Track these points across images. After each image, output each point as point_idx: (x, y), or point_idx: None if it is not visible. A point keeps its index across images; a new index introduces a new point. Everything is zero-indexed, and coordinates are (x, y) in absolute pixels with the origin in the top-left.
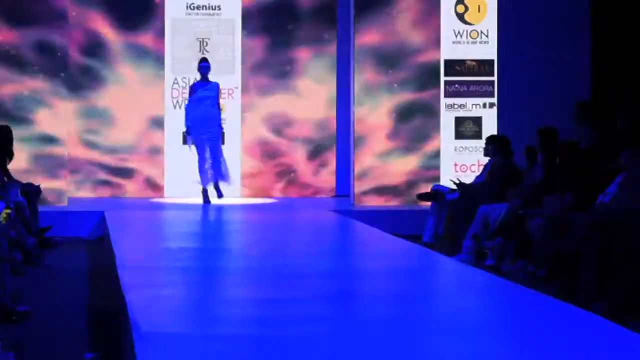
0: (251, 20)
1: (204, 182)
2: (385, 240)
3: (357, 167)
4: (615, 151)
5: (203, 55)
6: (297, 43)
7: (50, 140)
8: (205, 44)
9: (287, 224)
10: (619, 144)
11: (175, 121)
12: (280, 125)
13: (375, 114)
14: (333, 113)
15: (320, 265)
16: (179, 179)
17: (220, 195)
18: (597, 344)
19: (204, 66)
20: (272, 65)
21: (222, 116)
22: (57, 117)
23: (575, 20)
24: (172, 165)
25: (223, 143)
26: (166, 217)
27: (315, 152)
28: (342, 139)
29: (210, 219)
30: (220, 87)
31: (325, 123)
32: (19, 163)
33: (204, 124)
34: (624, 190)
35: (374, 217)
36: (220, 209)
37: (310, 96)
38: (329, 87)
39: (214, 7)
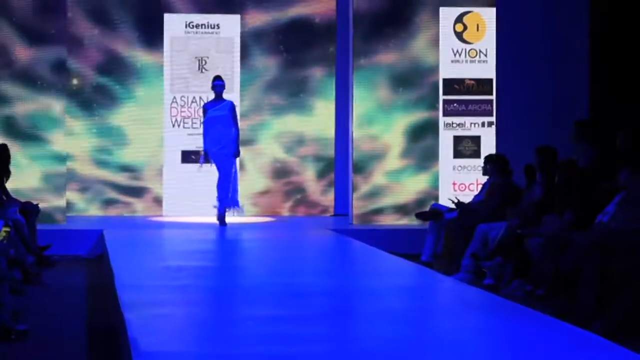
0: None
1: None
2: (384, 259)
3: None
4: (614, 170)
5: (217, 74)
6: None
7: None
8: (203, 62)
9: (284, 243)
10: (618, 163)
11: (174, 139)
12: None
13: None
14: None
15: (320, 284)
16: (179, 197)
17: (222, 223)
18: None
19: (217, 85)
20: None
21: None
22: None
23: (574, 40)
24: (171, 184)
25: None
26: (165, 235)
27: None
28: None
29: (208, 238)
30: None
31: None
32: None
33: (218, 144)
34: (622, 210)
35: (373, 236)
36: (216, 228)
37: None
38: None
39: (213, 26)
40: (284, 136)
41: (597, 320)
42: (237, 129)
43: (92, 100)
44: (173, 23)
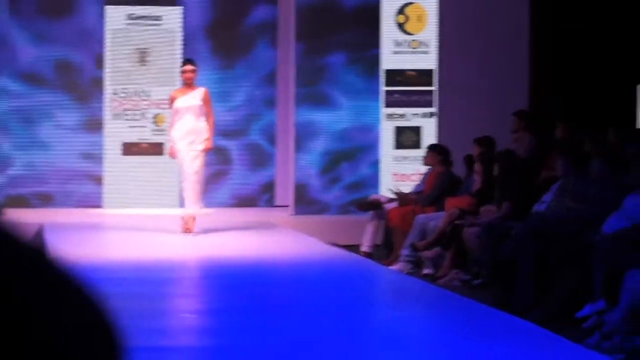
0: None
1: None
2: (323, 250)
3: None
4: (553, 160)
5: (187, 57)
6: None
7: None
8: (145, 54)
9: (226, 234)
10: (556, 153)
11: (115, 132)
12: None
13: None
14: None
15: (257, 275)
16: (118, 190)
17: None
18: (533, 351)
19: (188, 70)
20: None
21: (162, 126)
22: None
23: (514, 31)
24: (111, 177)
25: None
26: (103, 229)
27: None
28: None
29: (144, 230)
30: (206, 92)
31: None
32: None
33: (186, 138)
34: (559, 199)
35: (313, 227)
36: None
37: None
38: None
39: (154, 17)
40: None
41: (534, 308)
42: (212, 120)
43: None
44: (114, 15)
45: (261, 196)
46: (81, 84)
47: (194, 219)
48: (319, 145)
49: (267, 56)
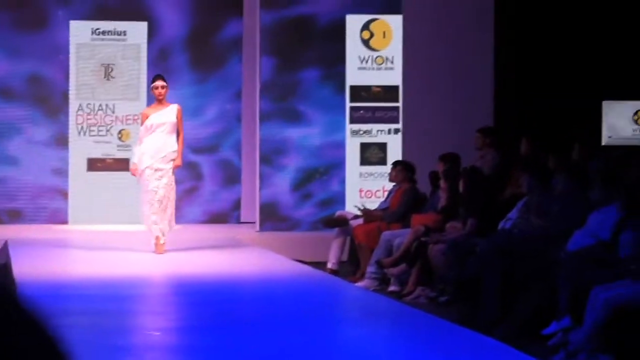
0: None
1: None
2: (289, 267)
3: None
4: (517, 177)
5: (157, 73)
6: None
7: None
8: (110, 69)
9: (191, 251)
10: (521, 169)
11: (80, 148)
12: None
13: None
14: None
15: (221, 291)
16: (84, 206)
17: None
18: None
19: (159, 86)
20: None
21: (127, 142)
22: None
23: (479, 48)
24: (76, 193)
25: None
26: (68, 245)
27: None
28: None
29: (110, 246)
30: (180, 109)
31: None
32: None
33: (155, 156)
34: (523, 216)
35: (279, 244)
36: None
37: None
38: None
39: (119, 33)
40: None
41: (499, 326)
42: (183, 137)
43: None
44: (79, 30)
45: (231, 213)
46: (50, 98)
47: (160, 238)
48: (290, 161)
49: (237, 72)
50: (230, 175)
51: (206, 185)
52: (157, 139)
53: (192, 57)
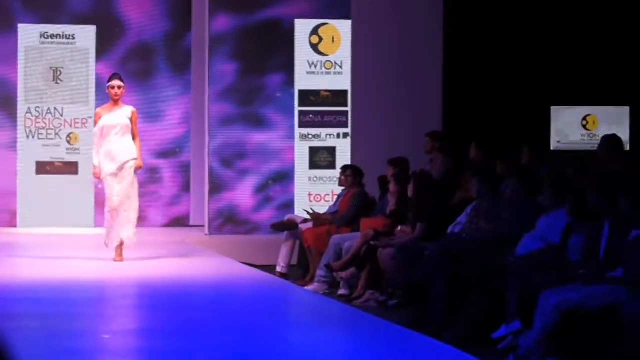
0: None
1: (108, 239)
2: (238, 270)
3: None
4: (467, 181)
5: (115, 72)
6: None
7: None
8: (59, 72)
9: (140, 254)
10: (470, 173)
11: (29, 151)
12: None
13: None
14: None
15: (173, 296)
16: (33, 209)
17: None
18: None
19: (115, 86)
20: None
21: (76, 145)
22: None
23: (428, 52)
24: (25, 195)
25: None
26: (16, 248)
27: None
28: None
29: (60, 249)
30: (135, 112)
31: None
32: None
33: (113, 161)
34: (473, 220)
35: (228, 247)
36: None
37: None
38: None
39: (68, 36)
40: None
41: (447, 329)
42: (139, 140)
43: None
44: (28, 33)
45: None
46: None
47: (122, 245)
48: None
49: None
50: (186, 179)
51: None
52: (113, 144)
53: (147, 62)
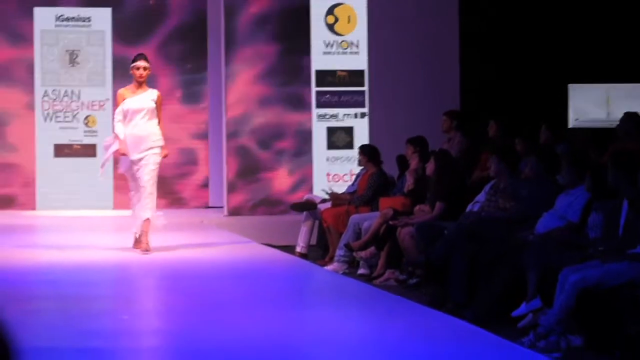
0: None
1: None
2: (258, 251)
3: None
4: (485, 160)
5: (139, 52)
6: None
7: None
8: (75, 55)
9: (162, 235)
10: (489, 151)
11: (47, 134)
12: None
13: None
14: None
15: (193, 276)
16: (52, 192)
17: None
18: (468, 350)
19: (139, 67)
20: None
21: (94, 128)
22: None
23: (444, 30)
24: (44, 178)
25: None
26: (36, 231)
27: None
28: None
29: (79, 231)
30: (160, 96)
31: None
32: None
33: (138, 146)
34: (491, 199)
35: (247, 228)
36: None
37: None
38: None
39: (84, 19)
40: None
41: (468, 307)
42: (163, 126)
43: None
44: (43, 16)
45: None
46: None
47: (146, 233)
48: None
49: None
50: (194, 159)
51: (175, 170)
52: (139, 129)
53: (165, 42)
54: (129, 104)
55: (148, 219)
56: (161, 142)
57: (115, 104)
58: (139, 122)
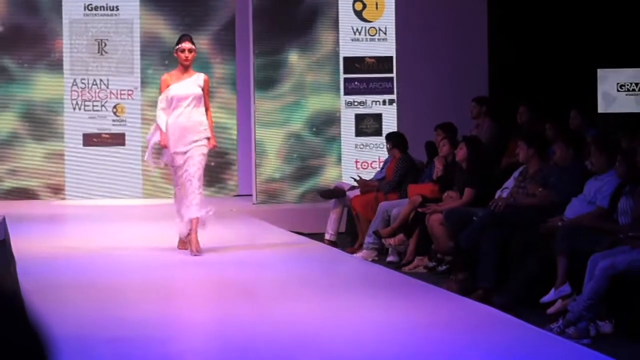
0: None
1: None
2: (287, 239)
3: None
4: (514, 146)
5: (184, 33)
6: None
7: None
8: (104, 44)
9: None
10: (518, 138)
11: (75, 123)
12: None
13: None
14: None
15: (223, 264)
16: (81, 181)
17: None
18: (498, 337)
19: (184, 49)
20: None
21: (122, 117)
22: None
23: (473, 16)
24: (73, 167)
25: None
26: (66, 220)
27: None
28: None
29: (110, 219)
30: (208, 80)
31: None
32: None
33: (185, 137)
34: (520, 185)
35: (276, 216)
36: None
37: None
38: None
39: (112, 8)
40: None
41: (496, 294)
42: (211, 114)
43: None
44: (72, 5)
45: (227, 185)
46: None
47: (196, 231)
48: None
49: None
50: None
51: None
52: (184, 118)
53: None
54: (173, 90)
55: (197, 217)
56: (208, 133)
57: (158, 92)
58: (185, 111)
